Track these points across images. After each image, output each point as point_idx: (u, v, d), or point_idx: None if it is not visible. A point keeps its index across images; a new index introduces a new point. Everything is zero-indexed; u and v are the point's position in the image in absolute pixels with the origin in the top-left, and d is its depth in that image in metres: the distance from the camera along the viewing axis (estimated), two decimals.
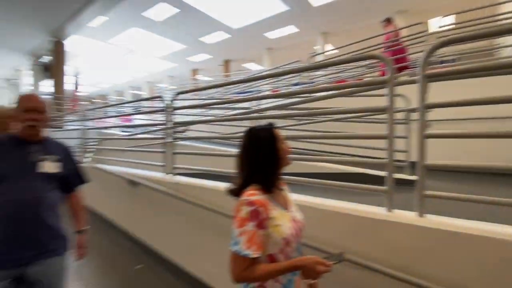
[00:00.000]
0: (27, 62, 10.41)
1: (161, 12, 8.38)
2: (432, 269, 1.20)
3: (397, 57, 3.80)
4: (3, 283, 1.20)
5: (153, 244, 2.85)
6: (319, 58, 8.41)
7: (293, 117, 2.00)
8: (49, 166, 1.35)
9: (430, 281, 1.17)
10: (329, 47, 10.12)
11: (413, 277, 1.20)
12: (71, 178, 1.50)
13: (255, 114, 2.45)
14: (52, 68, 8.77)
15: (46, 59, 9.32)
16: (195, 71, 14.59)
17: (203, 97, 7.25)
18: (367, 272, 1.33)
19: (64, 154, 1.45)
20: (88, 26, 8.29)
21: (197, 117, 4.60)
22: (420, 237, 1.24)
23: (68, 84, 8.94)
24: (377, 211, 1.42)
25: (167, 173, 2.72)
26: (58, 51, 8.60)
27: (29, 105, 1.32)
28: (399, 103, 2.44)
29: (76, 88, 8.95)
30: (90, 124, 5.00)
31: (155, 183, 2.66)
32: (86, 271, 2.55)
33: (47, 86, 9.21)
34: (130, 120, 7.99)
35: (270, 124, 1.03)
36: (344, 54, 5.70)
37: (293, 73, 1.92)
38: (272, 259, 0.92)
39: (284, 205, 1.00)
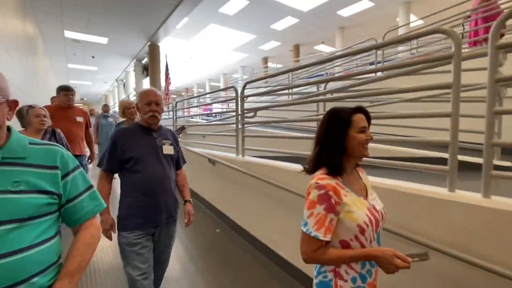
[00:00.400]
0: (132, 64, 12.71)
1: (234, 5, 8.92)
2: (496, 251, 1.15)
3: (488, 24, 3.15)
4: (145, 238, 1.52)
5: (227, 213, 3.35)
6: (401, 32, 7.53)
7: (348, 99, 1.99)
8: (169, 149, 1.62)
9: (493, 262, 1.13)
10: (413, 18, 8.88)
11: (474, 257, 1.17)
12: (179, 158, 1.75)
13: (313, 98, 2.54)
14: (149, 68, 10.50)
15: (145, 61, 11.22)
16: (265, 59, 14.96)
17: (273, 84, 7.52)
18: (427, 250, 1.33)
19: (173, 138, 1.71)
20: (175, 29, 9.52)
21: (265, 103, 4.91)
22: (484, 218, 1.20)
23: (162, 81, 10.56)
24: (438, 191, 1.40)
25: (238, 154, 3.11)
26: (153, 53, 10.21)
27: (150, 99, 1.55)
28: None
29: (167, 83, 10.49)
30: (179, 113, 5.92)
31: (229, 162, 3.10)
32: (178, 231, 3.22)
33: (146, 84, 11.12)
34: (209, 109, 8.98)
35: (356, 108, 0.95)
36: (431, 24, 5.02)
37: (355, 54, 1.88)
38: (345, 245, 0.90)
39: (360, 192, 0.95)
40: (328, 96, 2.71)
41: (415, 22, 8.36)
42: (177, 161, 1.74)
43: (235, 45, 13.18)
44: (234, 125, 3.20)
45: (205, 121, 6.03)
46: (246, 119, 3.12)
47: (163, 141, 1.62)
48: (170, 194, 1.60)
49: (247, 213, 2.99)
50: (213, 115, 6.57)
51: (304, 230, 0.88)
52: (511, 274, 1.07)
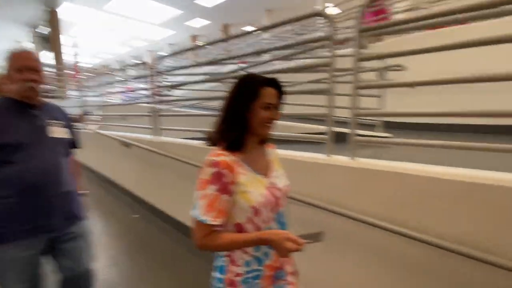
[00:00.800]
0: (26, 33, 10.44)
1: None
2: (361, 203, 1.38)
3: (379, 17, 3.70)
4: (31, 252, 1.18)
5: (145, 197, 3.22)
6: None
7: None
8: (58, 131, 1.29)
9: (359, 212, 1.35)
10: (329, 5, 9.61)
11: (345, 210, 1.38)
12: (72, 142, 1.43)
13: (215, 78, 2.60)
14: (50, 39, 8.84)
15: (45, 30, 9.33)
16: (194, 38, 14.26)
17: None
18: (310, 208, 1.51)
19: (65, 118, 1.39)
20: None
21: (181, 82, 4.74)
22: (349, 175, 1.45)
23: (68, 55, 9.04)
24: (318, 157, 1.62)
25: (154, 135, 2.97)
26: (53, 20, 8.59)
27: (23, 64, 1.18)
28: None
29: (76, 58, 9.06)
30: (90, 93, 5.23)
31: (144, 143, 2.93)
32: (92, 219, 2.95)
33: (48, 58, 9.35)
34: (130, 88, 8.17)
35: (268, 80, 0.83)
36: (347, 11, 5.57)
37: (240, 36, 1.99)
38: (239, 228, 0.83)
39: (261, 170, 0.87)
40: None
41: (331, 8, 9.07)
42: (71, 146, 1.42)
43: (159, 20, 12.10)
44: (149, 105, 3.02)
45: (121, 101, 5.49)
46: (160, 98, 2.97)
47: (50, 121, 1.27)
48: (65, 188, 1.26)
49: (165, 195, 2.93)
50: (130, 94, 6.02)
51: (193, 214, 0.78)
52: (368, 220, 1.31)
